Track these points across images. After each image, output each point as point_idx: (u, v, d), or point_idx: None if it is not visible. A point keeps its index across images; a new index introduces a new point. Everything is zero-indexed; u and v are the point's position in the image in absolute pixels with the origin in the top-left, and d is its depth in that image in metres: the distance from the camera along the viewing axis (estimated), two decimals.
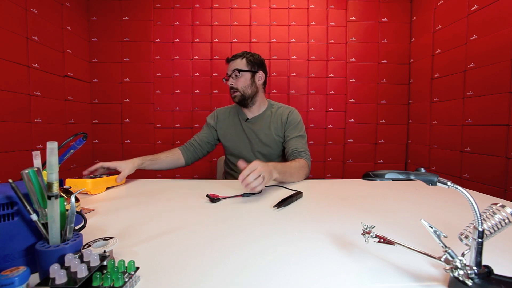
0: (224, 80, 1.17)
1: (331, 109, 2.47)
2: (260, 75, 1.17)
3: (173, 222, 0.57)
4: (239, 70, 1.12)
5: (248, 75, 1.14)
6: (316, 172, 2.48)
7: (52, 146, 0.35)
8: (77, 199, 0.57)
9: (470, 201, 0.32)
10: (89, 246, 0.40)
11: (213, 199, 0.72)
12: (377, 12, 2.42)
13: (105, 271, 0.33)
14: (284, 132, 1.18)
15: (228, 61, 1.17)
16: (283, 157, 1.21)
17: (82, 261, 0.33)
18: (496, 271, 0.33)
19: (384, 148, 2.46)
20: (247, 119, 1.19)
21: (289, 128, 1.17)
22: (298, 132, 1.16)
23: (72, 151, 0.54)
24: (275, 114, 1.20)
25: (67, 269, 0.32)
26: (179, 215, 0.62)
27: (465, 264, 0.33)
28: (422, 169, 0.37)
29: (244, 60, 1.14)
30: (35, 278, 0.36)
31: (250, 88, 1.14)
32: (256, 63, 1.16)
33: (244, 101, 1.16)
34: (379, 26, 2.42)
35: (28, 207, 0.36)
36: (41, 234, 0.37)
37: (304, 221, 0.58)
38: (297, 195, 0.76)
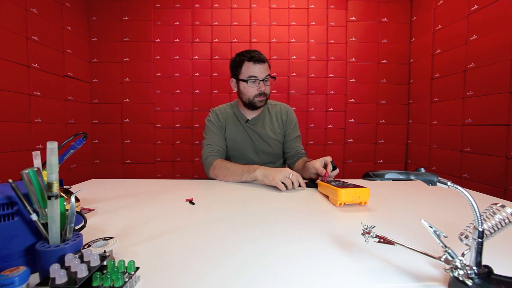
0: (253, 82, 1.07)
1: (331, 109, 2.47)
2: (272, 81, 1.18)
3: (173, 222, 0.57)
4: (271, 77, 1.10)
5: (271, 81, 1.13)
6: None
7: (52, 146, 0.35)
8: (77, 199, 0.57)
9: (470, 201, 0.32)
10: (89, 246, 0.40)
11: None
12: (377, 12, 2.42)
13: (105, 271, 0.33)
14: (284, 131, 1.20)
15: (261, 61, 1.07)
16: (283, 155, 1.23)
17: (82, 261, 0.33)
18: (496, 271, 0.33)
19: (384, 148, 2.46)
20: (247, 120, 1.18)
21: (289, 128, 1.19)
22: (297, 132, 1.21)
23: (72, 151, 0.54)
24: (273, 112, 1.21)
25: (67, 269, 0.32)
26: (179, 215, 0.62)
27: (465, 264, 0.33)
28: (422, 169, 0.37)
29: (268, 65, 1.11)
30: (35, 278, 0.36)
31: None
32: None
33: (263, 106, 1.16)
34: (379, 26, 2.42)
35: (28, 207, 0.36)
36: (41, 234, 0.37)
37: (304, 221, 0.58)
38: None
